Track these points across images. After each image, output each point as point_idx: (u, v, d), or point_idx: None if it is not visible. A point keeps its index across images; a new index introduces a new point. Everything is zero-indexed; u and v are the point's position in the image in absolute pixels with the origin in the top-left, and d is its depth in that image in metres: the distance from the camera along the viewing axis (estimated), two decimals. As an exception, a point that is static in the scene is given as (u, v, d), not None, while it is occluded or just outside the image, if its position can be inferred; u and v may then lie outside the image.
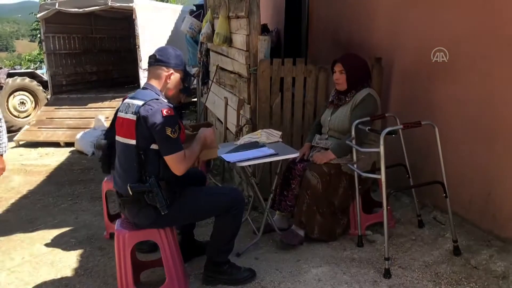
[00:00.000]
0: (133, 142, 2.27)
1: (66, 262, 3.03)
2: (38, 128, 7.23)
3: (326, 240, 3.04)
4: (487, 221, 2.90)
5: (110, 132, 3.10)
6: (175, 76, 2.43)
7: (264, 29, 6.00)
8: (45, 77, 9.20)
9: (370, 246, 2.99)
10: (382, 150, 2.56)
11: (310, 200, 2.94)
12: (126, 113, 2.32)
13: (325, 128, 3.17)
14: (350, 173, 2.98)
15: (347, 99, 3.05)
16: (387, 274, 2.58)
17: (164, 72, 2.39)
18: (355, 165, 2.89)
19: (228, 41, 4.32)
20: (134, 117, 2.25)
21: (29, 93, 8.82)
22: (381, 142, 2.56)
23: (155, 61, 2.40)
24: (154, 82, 2.41)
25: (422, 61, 3.40)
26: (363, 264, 2.76)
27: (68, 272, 2.90)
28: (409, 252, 2.87)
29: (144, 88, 2.42)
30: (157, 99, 2.29)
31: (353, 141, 2.87)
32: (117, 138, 2.41)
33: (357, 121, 2.87)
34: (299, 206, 2.99)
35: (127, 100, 2.39)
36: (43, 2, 9.60)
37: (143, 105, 2.25)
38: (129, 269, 2.40)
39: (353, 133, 2.87)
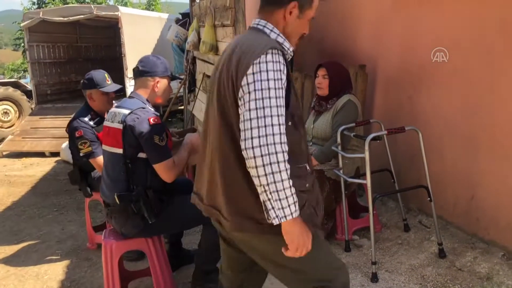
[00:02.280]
0: (120, 151, 2.26)
1: (52, 274, 2.99)
2: (22, 138, 7.13)
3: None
4: (471, 224, 2.95)
5: (74, 154, 3.09)
6: (162, 83, 2.43)
7: (250, 37, 6.05)
8: (29, 86, 9.10)
9: (357, 251, 3.02)
10: (367, 156, 2.60)
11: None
12: (112, 122, 2.32)
13: (309, 136, 3.20)
14: (333, 178, 3.01)
15: (328, 106, 3.08)
16: (374, 278, 2.61)
17: (151, 81, 2.40)
18: (340, 171, 2.92)
19: (214, 49, 4.34)
20: (120, 126, 2.25)
21: (13, 103, 8.70)
22: (366, 147, 2.59)
23: (139, 73, 2.40)
24: (141, 91, 2.41)
25: (406, 68, 3.47)
26: (351, 269, 2.78)
27: (54, 285, 2.85)
28: (395, 256, 2.90)
29: (130, 97, 2.42)
30: (143, 108, 2.30)
31: (339, 147, 2.90)
32: (104, 147, 2.40)
33: (342, 127, 2.91)
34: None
35: (113, 109, 2.39)
36: (26, 11, 9.52)
37: (129, 114, 2.25)
38: (116, 280, 2.38)
39: (338, 139, 2.90)
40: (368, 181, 2.61)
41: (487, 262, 2.64)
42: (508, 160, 2.67)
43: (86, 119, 3.02)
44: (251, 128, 1.28)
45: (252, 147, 1.27)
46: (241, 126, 1.31)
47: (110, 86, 3.08)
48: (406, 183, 3.23)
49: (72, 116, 3.12)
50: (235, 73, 1.35)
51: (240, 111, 1.34)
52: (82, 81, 3.08)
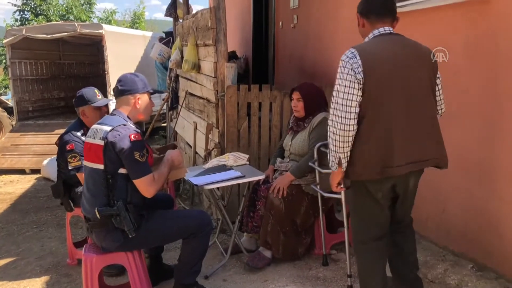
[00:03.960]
0: (101, 166, 2.31)
1: (31, 290, 2.98)
2: (2, 155, 7.05)
3: (289, 259, 3.12)
4: (442, 237, 3.07)
5: (61, 167, 3.14)
6: (144, 99, 2.51)
7: (233, 56, 6.19)
8: (10, 103, 9.03)
9: (334, 265, 3.09)
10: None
11: (274, 220, 3.03)
12: (94, 138, 2.37)
13: (287, 152, 3.30)
14: (311, 193, 3.10)
15: (305, 124, 3.19)
16: (350, 290, 2.67)
17: (131, 99, 2.47)
18: (317, 186, 3.01)
19: (197, 67, 4.45)
20: (101, 143, 2.30)
21: (-7, 119, 8.63)
22: (341, 163, 2.68)
23: (119, 92, 2.48)
24: (122, 109, 2.48)
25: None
26: (328, 283, 2.85)
27: (32, 301, 2.84)
28: (371, 269, 2.97)
29: (112, 114, 2.49)
30: (124, 125, 2.36)
31: (316, 163, 2.99)
32: (85, 163, 2.45)
33: (319, 144, 3.00)
34: (264, 227, 3.07)
35: (94, 126, 2.45)
36: (9, 28, 9.49)
37: (111, 130, 2.31)
38: (96, 294, 2.40)
39: (315, 155, 3.00)
40: (342, 196, 2.69)
41: (457, 274, 2.74)
42: (473, 176, 2.80)
43: (79, 134, 3.09)
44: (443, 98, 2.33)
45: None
46: (441, 96, 2.30)
47: (101, 100, 3.17)
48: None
49: (54, 131, 3.18)
50: (433, 68, 2.21)
51: (438, 90, 2.27)
52: (74, 100, 3.18)
